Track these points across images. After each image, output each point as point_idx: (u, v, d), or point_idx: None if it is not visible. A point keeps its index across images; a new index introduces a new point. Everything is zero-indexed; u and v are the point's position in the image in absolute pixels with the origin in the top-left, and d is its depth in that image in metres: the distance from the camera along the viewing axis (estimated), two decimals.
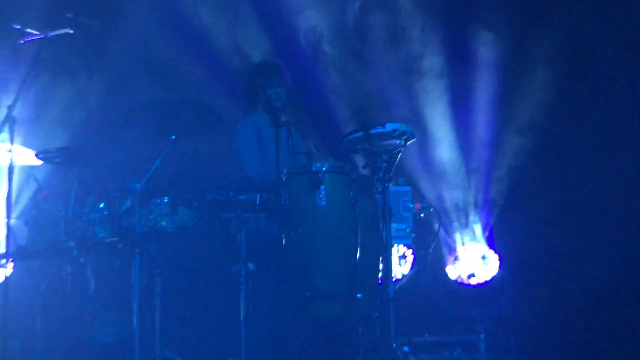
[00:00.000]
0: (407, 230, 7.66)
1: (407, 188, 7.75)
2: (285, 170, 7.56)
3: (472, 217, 10.49)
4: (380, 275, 7.46)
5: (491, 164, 10.45)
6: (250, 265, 7.47)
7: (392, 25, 10.44)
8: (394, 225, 7.53)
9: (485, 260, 10.19)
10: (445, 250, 10.16)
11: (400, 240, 7.67)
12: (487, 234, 10.35)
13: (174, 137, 7.67)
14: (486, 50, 10.31)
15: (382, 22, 10.48)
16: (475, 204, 10.49)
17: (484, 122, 10.47)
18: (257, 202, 7.47)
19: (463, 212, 10.46)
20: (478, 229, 10.38)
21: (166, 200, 7.66)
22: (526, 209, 10.34)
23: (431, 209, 7.78)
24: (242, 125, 8.69)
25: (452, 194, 10.46)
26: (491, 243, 10.31)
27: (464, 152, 10.49)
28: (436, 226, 7.76)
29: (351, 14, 10.53)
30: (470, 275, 10.25)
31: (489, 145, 10.47)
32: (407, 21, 10.42)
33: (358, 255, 7.33)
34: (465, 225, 10.49)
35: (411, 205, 7.69)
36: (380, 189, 7.51)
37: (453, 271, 10.04)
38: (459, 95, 10.44)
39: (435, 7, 10.42)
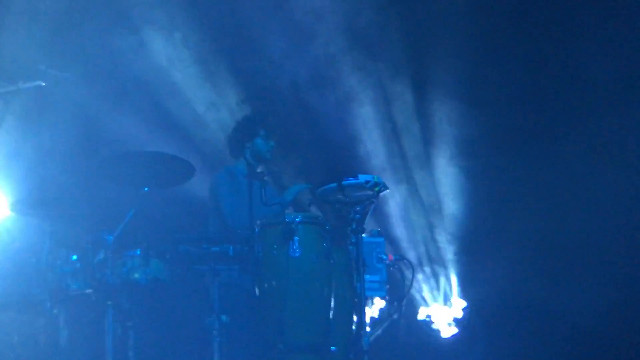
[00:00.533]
0: (381, 281, 7.63)
1: (381, 239, 7.73)
2: (258, 221, 7.54)
3: (438, 267, 10.50)
4: (353, 327, 7.43)
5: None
6: (224, 318, 7.42)
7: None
8: (367, 277, 7.49)
9: (452, 310, 10.22)
10: (417, 301, 10.19)
11: (374, 291, 7.64)
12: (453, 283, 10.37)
13: (146, 188, 7.65)
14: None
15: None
16: (440, 253, 10.52)
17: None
18: (231, 253, 7.45)
19: (430, 262, 10.48)
20: (446, 279, 10.39)
21: (139, 252, 7.59)
22: (495, 255, 10.34)
23: (404, 260, 7.75)
24: (218, 174, 8.68)
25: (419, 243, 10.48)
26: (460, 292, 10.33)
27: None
28: (409, 278, 7.74)
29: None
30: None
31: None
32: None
33: (332, 306, 7.32)
34: (433, 275, 10.50)
35: (384, 257, 7.66)
36: (353, 240, 7.50)
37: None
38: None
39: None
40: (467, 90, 10.47)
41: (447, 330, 10.37)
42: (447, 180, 10.63)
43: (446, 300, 10.55)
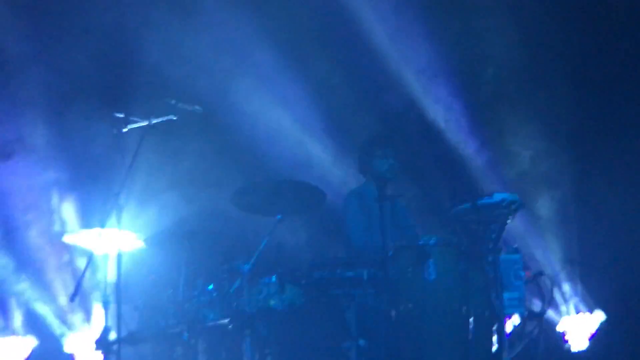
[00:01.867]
0: (520, 298, 7.52)
1: (518, 256, 7.59)
2: (392, 244, 7.51)
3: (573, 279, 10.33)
4: (494, 346, 7.34)
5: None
6: (361, 342, 7.40)
7: None
8: (505, 295, 7.40)
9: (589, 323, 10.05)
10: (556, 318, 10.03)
11: (513, 309, 7.52)
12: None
13: (279, 216, 7.71)
14: None
15: None
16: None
17: None
18: (365, 277, 7.44)
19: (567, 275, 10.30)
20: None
21: (274, 279, 7.64)
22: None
23: (543, 276, 7.62)
24: (348, 196, 8.70)
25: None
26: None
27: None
28: (548, 294, 7.61)
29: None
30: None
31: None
32: None
33: (471, 327, 7.24)
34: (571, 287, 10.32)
35: (522, 274, 7.54)
36: (490, 260, 7.42)
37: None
38: None
39: None
40: None
41: (578, 344, 10.18)
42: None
43: (582, 311, 10.36)
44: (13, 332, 9.86)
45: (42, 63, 9.82)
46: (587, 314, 10.29)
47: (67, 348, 9.84)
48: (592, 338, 10.21)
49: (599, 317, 10.22)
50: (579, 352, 10.19)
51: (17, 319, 9.89)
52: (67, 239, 9.10)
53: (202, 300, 7.84)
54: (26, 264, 9.89)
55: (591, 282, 10.42)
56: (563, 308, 10.33)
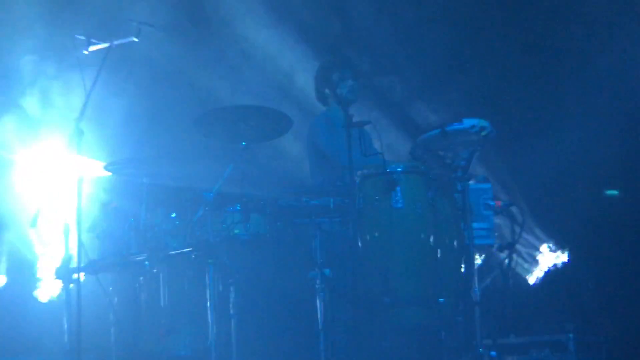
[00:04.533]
0: (489, 229, 7.40)
1: (488, 185, 7.45)
2: (359, 172, 7.37)
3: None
4: (462, 277, 7.23)
5: None
6: (327, 271, 7.30)
7: None
8: (475, 225, 7.28)
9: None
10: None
11: (482, 239, 7.40)
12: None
13: (244, 143, 7.54)
14: None
15: None
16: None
17: None
18: (331, 206, 7.31)
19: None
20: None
21: (238, 208, 7.50)
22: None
23: (513, 206, 7.49)
24: (316, 120, 8.58)
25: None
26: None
27: None
28: (518, 224, 7.47)
29: None
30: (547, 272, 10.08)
31: None
32: None
33: (439, 257, 7.13)
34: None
35: (492, 203, 7.41)
36: (459, 188, 7.28)
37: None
38: None
39: None
40: None
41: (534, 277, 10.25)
42: None
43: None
44: None
45: None
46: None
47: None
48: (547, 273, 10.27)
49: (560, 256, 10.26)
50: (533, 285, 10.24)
51: None
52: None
53: (165, 229, 7.75)
54: None
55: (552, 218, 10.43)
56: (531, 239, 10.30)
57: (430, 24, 10.42)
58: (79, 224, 7.09)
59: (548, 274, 10.34)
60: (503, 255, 7.44)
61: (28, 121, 9.61)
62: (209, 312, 7.32)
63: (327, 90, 8.49)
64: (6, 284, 9.77)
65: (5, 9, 9.50)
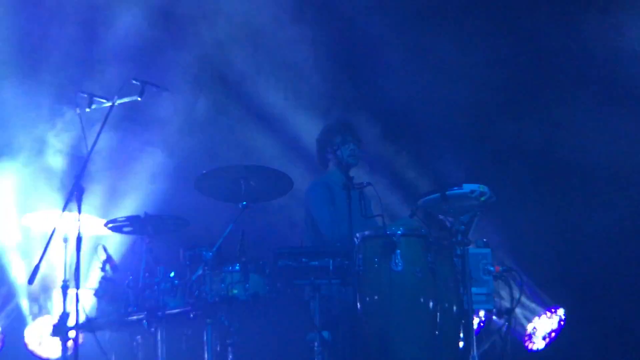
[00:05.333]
0: (488, 294, 7.37)
1: (487, 250, 7.45)
2: (358, 234, 7.35)
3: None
4: (461, 342, 7.19)
5: None
6: (325, 334, 7.27)
7: None
8: (474, 290, 7.24)
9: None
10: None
11: (481, 304, 7.37)
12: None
13: (244, 203, 7.55)
14: None
15: None
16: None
17: None
18: (331, 267, 7.27)
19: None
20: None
21: (237, 268, 7.48)
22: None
23: (513, 271, 7.46)
24: (313, 185, 8.56)
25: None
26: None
27: None
28: (517, 290, 7.44)
29: None
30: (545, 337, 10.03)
31: None
32: None
33: (438, 322, 7.08)
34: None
35: (492, 268, 7.39)
36: (459, 252, 7.27)
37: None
38: None
39: None
40: None
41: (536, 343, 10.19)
42: None
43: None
44: None
45: None
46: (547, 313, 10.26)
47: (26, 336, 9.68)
48: (551, 337, 10.21)
49: (556, 316, 10.20)
50: (537, 351, 10.18)
51: None
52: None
53: (163, 288, 7.69)
54: None
55: (548, 281, 10.40)
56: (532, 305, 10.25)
57: (434, 94, 10.51)
58: (77, 281, 7.07)
59: (546, 338, 10.26)
60: (502, 320, 7.41)
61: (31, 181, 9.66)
62: None
63: (328, 153, 8.52)
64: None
65: None
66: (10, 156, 9.67)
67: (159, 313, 7.58)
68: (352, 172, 8.13)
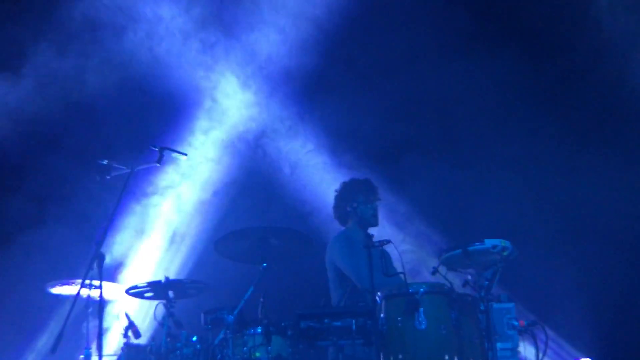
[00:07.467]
0: (513, 348, 7.30)
1: (511, 305, 7.40)
2: (380, 293, 7.30)
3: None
4: None
5: None
6: None
7: None
8: (498, 345, 7.18)
9: None
10: None
11: None
12: None
13: (265, 264, 7.54)
14: None
15: None
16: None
17: None
18: (353, 327, 7.21)
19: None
20: None
21: (259, 330, 7.44)
22: None
23: (537, 325, 7.40)
24: (338, 237, 8.51)
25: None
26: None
27: None
28: (542, 344, 7.38)
29: None
30: None
31: None
32: None
33: None
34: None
35: (516, 323, 7.33)
36: (482, 308, 7.21)
37: None
38: None
39: None
40: None
41: None
42: None
43: None
44: None
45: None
46: None
47: None
48: None
49: None
50: None
51: None
52: (52, 289, 8.94)
53: (186, 353, 7.67)
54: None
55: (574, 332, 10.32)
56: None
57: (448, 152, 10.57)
58: (99, 347, 7.05)
59: None
60: None
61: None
62: None
63: (349, 208, 8.48)
64: None
65: None
66: None
67: None
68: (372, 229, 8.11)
